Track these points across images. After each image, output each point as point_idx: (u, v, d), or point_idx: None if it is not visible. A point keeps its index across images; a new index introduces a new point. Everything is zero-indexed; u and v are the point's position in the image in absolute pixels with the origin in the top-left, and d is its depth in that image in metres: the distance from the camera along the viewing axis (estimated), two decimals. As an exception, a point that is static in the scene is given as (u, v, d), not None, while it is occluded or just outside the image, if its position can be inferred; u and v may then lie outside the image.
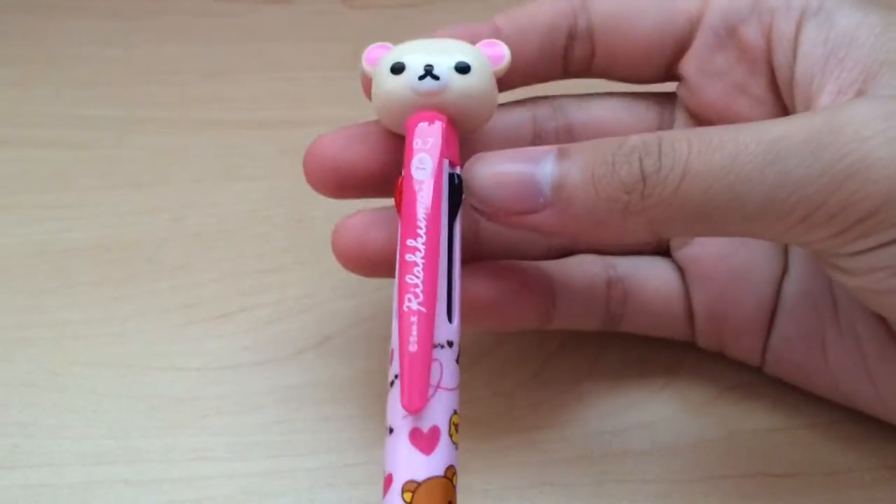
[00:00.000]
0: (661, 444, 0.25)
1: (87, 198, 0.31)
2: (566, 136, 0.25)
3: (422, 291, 0.19)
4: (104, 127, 0.33)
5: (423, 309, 0.19)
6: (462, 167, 0.21)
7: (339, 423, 0.25)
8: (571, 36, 0.24)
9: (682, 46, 0.24)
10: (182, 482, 0.24)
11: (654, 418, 0.26)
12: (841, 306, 0.23)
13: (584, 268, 0.26)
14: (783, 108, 0.23)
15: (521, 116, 0.25)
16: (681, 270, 0.26)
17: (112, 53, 0.36)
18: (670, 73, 0.25)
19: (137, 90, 0.34)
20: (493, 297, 0.24)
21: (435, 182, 0.20)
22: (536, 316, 0.25)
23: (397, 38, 0.23)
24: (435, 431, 0.19)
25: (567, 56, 0.25)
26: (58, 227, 0.30)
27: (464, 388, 0.26)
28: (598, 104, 0.26)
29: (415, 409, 0.19)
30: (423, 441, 0.19)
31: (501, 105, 0.25)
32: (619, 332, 0.27)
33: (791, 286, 0.24)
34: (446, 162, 0.21)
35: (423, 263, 0.20)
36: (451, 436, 0.19)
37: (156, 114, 0.34)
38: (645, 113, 0.26)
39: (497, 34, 0.24)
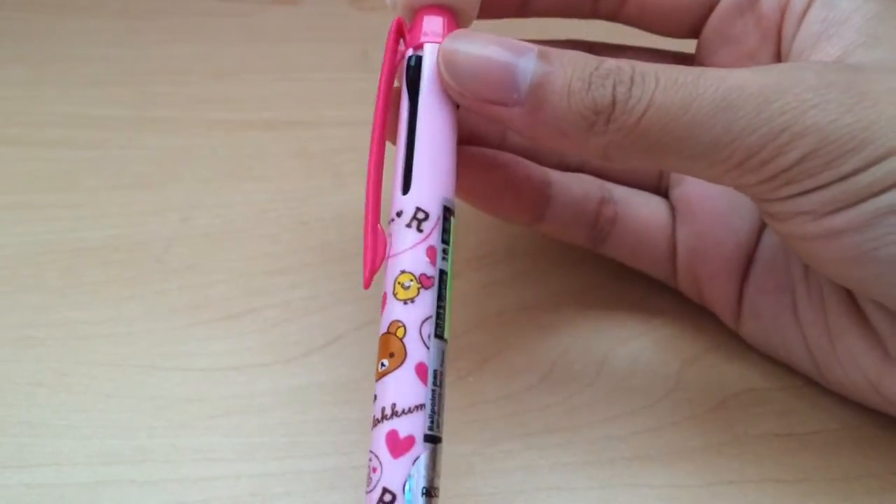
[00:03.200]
0: (668, 449, 0.25)
1: (95, 198, 0.31)
2: None
3: (369, 171, 0.22)
4: (113, 127, 0.33)
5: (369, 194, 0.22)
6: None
7: (345, 424, 0.25)
8: None
9: (710, 6, 0.25)
10: (188, 482, 0.24)
11: (661, 423, 0.26)
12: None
13: (583, 182, 0.27)
14: None
15: None
16: (673, 209, 0.27)
17: (121, 53, 0.36)
18: (695, 32, 0.26)
19: (146, 90, 0.34)
20: (494, 182, 0.26)
21: (384, 70, 0.22)
22: (529, 211, 0.27)
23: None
24: (384, 297, 0.21)
25: None
26: (66, 226, 0.30)
27: (471, 391, 0.27)
28: (629, 54, 0.26)
29: (364, 285, 0.21)
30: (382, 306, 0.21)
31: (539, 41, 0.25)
32: (628, 336, 0.27)
33: (770, 238, 0.26)
34: (404, 47, 0.22)
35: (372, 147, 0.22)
36: (395, 294, 0.20)
37: (164, 114, 0.34)
38: None
39: None
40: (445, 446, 0.24)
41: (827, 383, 0.25)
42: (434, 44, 0.22)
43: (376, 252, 0.21)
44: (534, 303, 0.29)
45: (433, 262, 0.20)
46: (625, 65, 0.20)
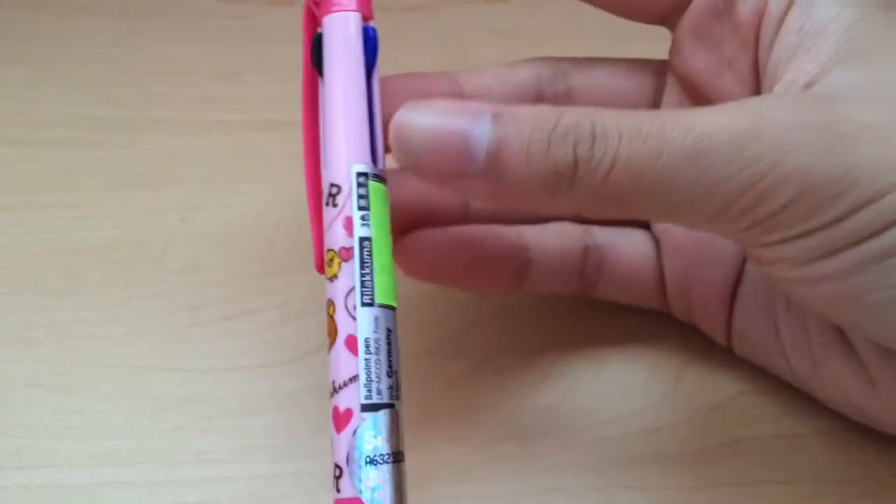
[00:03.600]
0: (666, 451, 0.25)
1: (94, 198, 0.31)
2: (565, 100, 0.26)
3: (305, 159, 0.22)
4: (112, 127, 0.33)
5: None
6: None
7: (343, 426, 0.25)
8: None
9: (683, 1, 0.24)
10: (186, 484, 0.24)
11: (658, 425, 0.26)
12: None
13: (561, 234, 0.26)
14: (759, 88, 0.23)
15: (526, 76, 0.26)
16: (657, 241, 0.26)
17: (121, 54, 0.36)
18: (665, 19, 0.25)
19: (146, 91, 0.34)
20: (466, 261, 0.25)
21: (304, 56, 0.22)
22: (509, 281, 0.26)
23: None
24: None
25: None
26: (65, 227, 0.30)
27: (468, 393, 0.27)
28: (598, 70, 0.26)
29: (317, 269, 0.22)
30: None
31: (510, 63, 0.25)
32: (625, 339, 0.27)
33: None
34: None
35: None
36: (325, 275, 0.21)
37: (164, 114, 0.34)
38: (640, 82, 0.26)
39: None
40: (441, 449, 0.24)
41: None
42: (333, 14, 0.22)
43: (322, 236, 0.21)
44: (531, 305, 0.29)
45: (350, 233, 0.20)
46: (584, 119, 0.19)
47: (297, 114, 0.34)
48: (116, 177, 0.32)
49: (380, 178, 0.21)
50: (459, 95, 0.25)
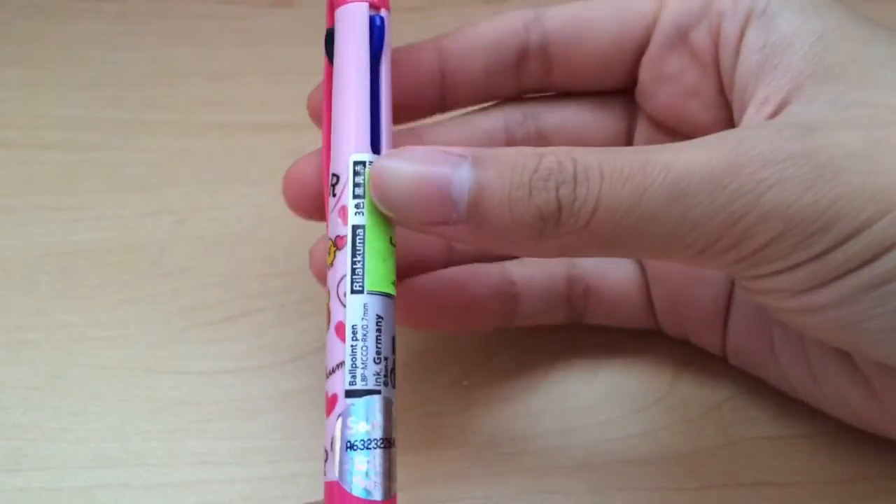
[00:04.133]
0: (662, 452, 0.25)
1: (91, 200, 0.31)
2: (538, 141, 0.26)
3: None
4: (109, 129, 0.33)
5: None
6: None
7: (340, 428, 0.25)
8: (523, 52, 0.24)
9: (640, 51, 0.24)
10: (183, 486, 0.24)
11: (655, 427, 0.26)
12: None
13: (547, 265, 0.26)
14: (731, 111, 0.23)
15: (494, 122, 0.26)
16: (642, 266, 0.26)
17: (118, 56, 0.36)
18: (632, 78, 0.25)
19: (143, 93, 0.34)
20: (455, 307, 0.25)
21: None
22: (497, 319, 0.26)
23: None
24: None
25: (521, 72, 0.24)
26: (62, 229, 0.30)
27: (465, 394, 0.27)
28: (566, 108, 0.26)
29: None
30: None
31: (474, 111, 0.25)
32: (622, 341, 0.27)
33: None
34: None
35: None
36: (328, 253, 0.21)
37: (161, 116, 0.34)
38: (611, 115, 0.26)
39: (441, 55, 0.24)
40: (440, 450, 0.24)
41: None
42: (343, 6, 0.22)
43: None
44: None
45: (345, 222, 0.20)
46: (566, 160, 0.19)
47: (295, 116, 0.34)
48: (113, 178, 0.32)
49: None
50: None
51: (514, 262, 0.26)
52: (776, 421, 0.26)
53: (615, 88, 0.25)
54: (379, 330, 0.20)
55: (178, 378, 0.26)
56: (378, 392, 0.20)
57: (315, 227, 0.31)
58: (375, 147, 0.21)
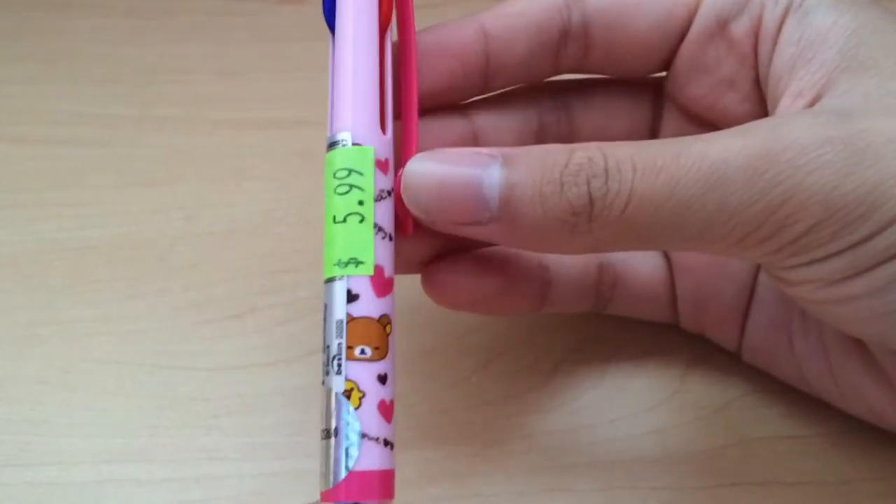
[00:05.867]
0: (671, 451, 0.25)
1: (100, 196, 0.31)
2: (567, 127, 0.25)
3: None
4: (118, 125, 0.33)
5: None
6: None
7: (348, 424, 0.25)
8: (564, 33, 0.23)
9: (680, 38, 0.24)
10: (191, 482, 0.24)
11: (664, 425, 0.26)
12: None
13: (579, 256, 0.26)
14: (765, 105, 0.23)
15: (525, 110, 0.25)
16: (668, 259, 0.26)
17: (127, 52, 0.36)
18: (666, 65, 0.24)
19: (152, 89, 0.34)
20: (494, 288, 0.24)
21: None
22: (531, 303, 0.25)
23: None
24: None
25: (559, 53, 0.24)
26: (71, 225, 0.30)
27: (474, 392, 0.26)
28: (594, 95, 0.26)
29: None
30: None
31: (504, 93, 0.25)
32: (631, 339, 0.27)
33: (765, 276, 0.25)
34: None
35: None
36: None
37: (170, 113, 0.34)
38: (639, 105, 0.26)
39: (483, 35, 0.23)
40: (448, 447, 0.24)
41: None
42: None
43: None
44: (538, 303, 0.29)
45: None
46: (596, 154, 0.19)
47: (303, 112, 0.34)
48: (122, 175, 0.32)
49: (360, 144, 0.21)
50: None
51: None
52: (787, 420, 0.26)
53: (650, 72, 0.25)
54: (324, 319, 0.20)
55: (187, 374, 0.26)
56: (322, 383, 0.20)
57: (320, 223, 0.31)
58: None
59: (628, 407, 0.26)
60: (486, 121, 0.25)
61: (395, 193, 0.21)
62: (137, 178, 0.32)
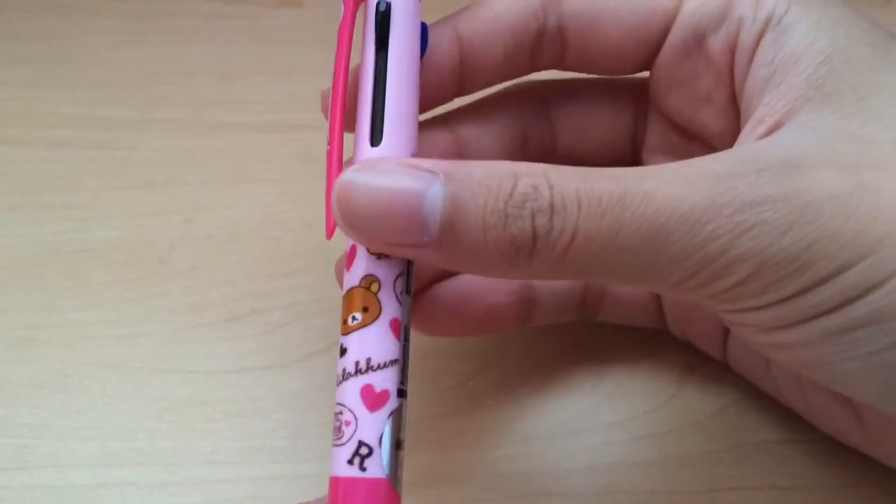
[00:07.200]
0: (669, 455, 0.25)
1: (99, 199, 0.31)
2: (549, 134, 0.26)
3: (330, 132, 0.21)
4: (117, 128, 0.33)
5: (329, 147, 0.21)
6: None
7: (346, 428, 0.25)
8: (540, 34, 0.23)
9: (656, 47, 0.23)
10: (189, 485, 0.24)
11: (662, 429, 0.26)
12: None
13: None
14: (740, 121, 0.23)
15: (507, 115, 0.25)
16: None
17: (126, 55, 0.36)
18: (644, 68, 0.24)
19: (151, 92, 0.34)
20: (479, 314, 0.25)
21: (341, 28, 0.21)
22: (517, 321, 0.26)
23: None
24: (352, 251, 0.20)
25: (535, 54, 0.24)
26: (70, 227, 0.30)
27: (472, 396, 0.27)
28: (577, 99, 0.26)
29: (327, 236, 0.21)
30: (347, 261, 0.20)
31: (486, 98, 0.25)
32: (629, 343, 0.27)
33: None
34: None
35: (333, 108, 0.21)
36: (368, 248, 0.20)
37: (169, 116, 0.34)
38: (621, 110, 0.26)
39: (461, 43, 0.23)
40: (445, 450, 0.24)
41: None
42: None
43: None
44: (536, 307, 0.29)
45: None
46: (542, 183, 0.18)
47: (303, 116, 0.34)
48: (121, 177, 0.32)
49: None
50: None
51: None
52: (783, 425, 0.26)
53: (627, 73, 0.25)
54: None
55: (186, 377, 0.27)
56: (406, 395, 0.20)
57: (319, 226, 0.31)
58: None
59: (625, 411, 0.26)
60: (468, 131, 0.25)
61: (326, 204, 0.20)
62: (136, 180, 0.32)
